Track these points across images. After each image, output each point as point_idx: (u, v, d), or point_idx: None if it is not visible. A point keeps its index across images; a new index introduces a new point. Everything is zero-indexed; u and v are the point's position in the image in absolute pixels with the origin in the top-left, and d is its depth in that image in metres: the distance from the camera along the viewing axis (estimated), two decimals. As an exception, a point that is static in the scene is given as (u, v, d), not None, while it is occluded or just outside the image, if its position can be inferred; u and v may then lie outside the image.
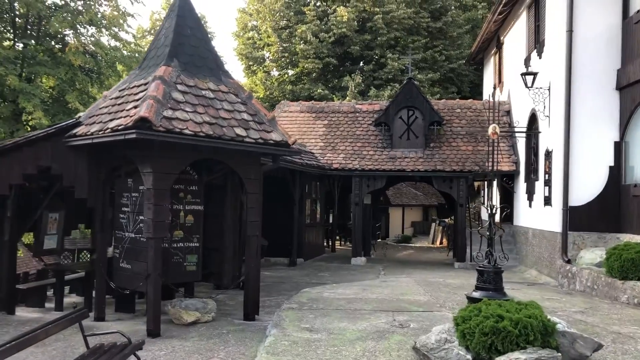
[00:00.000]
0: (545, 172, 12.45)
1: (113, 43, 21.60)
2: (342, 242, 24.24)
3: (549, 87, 12.34)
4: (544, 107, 12.48)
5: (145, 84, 7.08)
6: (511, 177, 16.17)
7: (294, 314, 7.55)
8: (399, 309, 7.86)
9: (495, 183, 19.09)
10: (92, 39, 20.61)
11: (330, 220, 20.99)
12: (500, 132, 7.67)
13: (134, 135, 6.24)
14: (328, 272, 13.90)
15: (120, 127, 6.49)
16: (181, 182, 7.86)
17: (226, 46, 69.04)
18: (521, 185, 15.22)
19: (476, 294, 5.83)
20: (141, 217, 7.23)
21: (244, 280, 7.75)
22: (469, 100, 17.90)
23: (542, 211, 12.63)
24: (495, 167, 14.21)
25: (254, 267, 7.66)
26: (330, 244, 20.44)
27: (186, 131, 6.59)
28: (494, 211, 6.34)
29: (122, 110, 6.94)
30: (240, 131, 7.18)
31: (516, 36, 16.37)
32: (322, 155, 16.42)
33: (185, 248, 7.91)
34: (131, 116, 6.46)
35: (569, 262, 11.05)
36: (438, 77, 28.63)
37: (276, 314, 7.57)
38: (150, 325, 6.72)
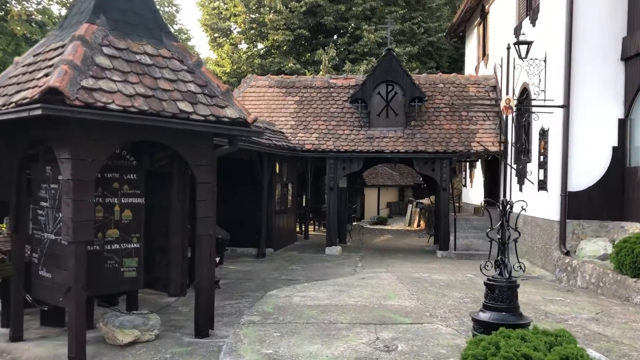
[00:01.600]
0: (540, 154, 11.37)
1: (64, 12, 19.71)
2: (317, 227, 23.03)
3: (545, 58, 11.17)
4: (539, 80, 11.32)
5: (63, 47, 5.62)
6: (498, 157, 15.10)
7: (255, 331, 6.28)
8: (382, 320, 6.67)
9: (479, 164, 18.08)
10: (40, 6, 18.77)
11: (303, 204, 19.72)
12: (516, 105, 6.39)
13: (39, 112, 4.82)
14: (300, 264, 12.69)
15: (24, 101, 5.05)
16: (115, 169, 6.46)
17: (190, 17, 66.41)
18: (509, 168, 14.13)
19: (485, 316, 4.65)
20: (61, 215, 5.83)
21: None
22: (452, 75, 16.69)
23: (536, 196, 11.58)
24: (488, 146, 13.10)
25: (206, 274, 6.35)
26: (303, 229, 19.20)
27: (112, 106, 5.18)
28: (509, 208, 5.12)
29: (32, 80, 5.50)
30: (185, 106, 5.80)
31: (504, 3, 15.16)
32: (293, 135, 15.08)
33: (122, 250, 6.54)
34: (40, 87, 5.03)
35: (567, 253, 10.04)
36: (416, 50, 27.37)
37: (233, 333, 6.29)
38: (72, 351, 5.38)
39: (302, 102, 15.97)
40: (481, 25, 18.48)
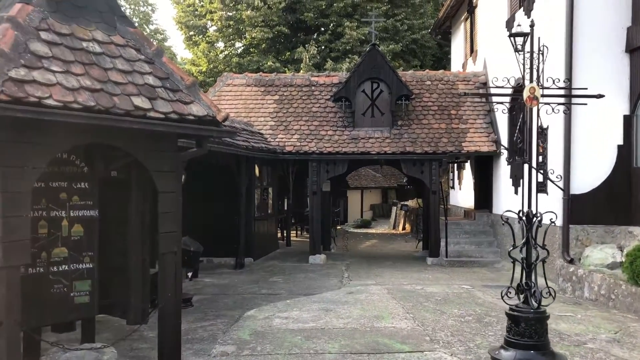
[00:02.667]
0: (539, 154, 10.66)
1: None
2: (299, 232, 22.17)
3: (542, 50, 10.45)
4: (537, 75, 10.60)
5: (-8, 31, 4.70)
6: (489, 158, 14.43)
7: (229, 367, 5.42)
8: (376, 348, 5.84)
9: (468, 165, 17.41)
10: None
11: (285, 209, 18.84)
12: (545, 94, 5.58)
13: (-52, 109, 3.91)
14: (282, 275, 11.84)
15: None
16: (62, 177, 5.54)
17: (164, 14, 65.02)
18: (502, 169, 13.47)
19: (509, 356, 3.84)
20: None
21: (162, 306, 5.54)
22: (440, 71, 15.99)
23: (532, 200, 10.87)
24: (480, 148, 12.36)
25: (171, 299, 5.47)
26: (285, 236, 18.33)
27: (49, 101, 4.28)
28: (535, 221, 4.32)
29: (-47, 71, 4.56)
30: (141, 102, 4.91)
31: (495, -5, 14.48)
32: (273, 137, 14.22)
33: (71, 272, 5.62)
34: (-46, 78, 4.11)
35: (571, 261, 9.34)
36: (400, 48, 26.64)
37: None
38: (5, 399, 4.45)
39: (282, 102, 15.12)
40: (468, 20, 17.81)
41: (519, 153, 12.76)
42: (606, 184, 9.48)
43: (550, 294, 4.13)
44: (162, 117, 5.00)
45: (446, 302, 8.22)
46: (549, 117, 10.12)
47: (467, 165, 17.62)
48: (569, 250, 9.43)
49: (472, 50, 17.37)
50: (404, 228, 28.07)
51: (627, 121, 9.46)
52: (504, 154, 13.32)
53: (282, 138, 14.14)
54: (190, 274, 11.02)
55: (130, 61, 5.22)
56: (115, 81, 4.90)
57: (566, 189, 9.50)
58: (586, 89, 5.74)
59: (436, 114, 14.56)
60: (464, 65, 18.09)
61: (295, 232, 21.46)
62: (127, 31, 5.48)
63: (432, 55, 28.85)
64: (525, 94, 5.09)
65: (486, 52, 15.33)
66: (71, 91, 4.48)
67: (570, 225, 9.50)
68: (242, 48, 28.58)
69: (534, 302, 3.97)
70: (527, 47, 5.52)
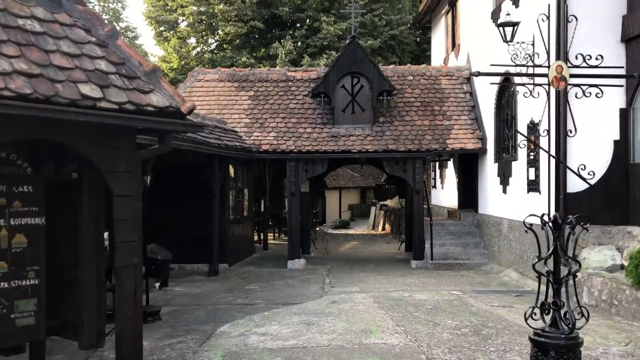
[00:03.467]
0: (530, 150, 10.18)
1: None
2: (277, 235, 21.45)
3: (533, 41, 9.97)
4: (527, 68, 10.12)
5: None
6: (474, 156, 13.94)
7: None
8: (366, 370, 5.21)
9: (451, 163, 16.94)
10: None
11: (262, 211, 18.12)
12: (573, 75, 4.97)
13: None
14: (259, 282, 11.16)
15: None
16: (0, 180, 4.77)
17: (134, 9, 63.57)
18: (489, 167, 12.99)
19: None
20: None
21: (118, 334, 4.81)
22: (422, 66, 15.45)
23: (525, 199, 10.40)
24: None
25: (131, 319, 4.75)
26: (262, 239, 17.61)
27: (-29, 88, 3.55)
28: (567, 228, 3.73)
29: None
30: (90, 90, 4.19)
31: (478, -14, 14.00)
32: (248, 135, 13.50)
33: (12, 290, 4.85)
34: None
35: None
36: (378, 44, 26.11)
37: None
38: None
39: (257, 98, 14.41)
40: (450, 14, 17.34)
41: (506, 150, 12.29)
42: (602, 182, 9.02)
43: (583, 315, 3.53)
44: (115, 108, 4.28)
45: (438, 312, 7.64)
46: (540, 110, 9.66)
47: (450, 163, 17.16)
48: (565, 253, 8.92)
49: (454, 45, 16.90)
50: (383, 228, 27.59)
51: (623, 115, 9.01)
52: (489, 151, 12.84)
53: (258, 136, 13.44)
54: (158, 284, 10.27)
55: (79, 43, 4.50)
56: (59, 66, 4.17)
57: (563, 187, 9.01)
58: (622, 67, 5.11)
59: (419, 110, 14.02)
60: (445, 61, 17.62)
61: (273, 234, 20.77)
62: (75, 9, 4.75)
63: (411, 52, 28.42)
64: (551, 73, 4.47)
65: (470, 46, 14.85)
66: (2, 76, 3.75)
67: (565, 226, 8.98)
68: (215, 44, 27.74)
69: (564, 326, 3.36)
70: (553, 19, 4.83)
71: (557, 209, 9.02)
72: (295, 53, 24.62)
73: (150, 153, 5.08)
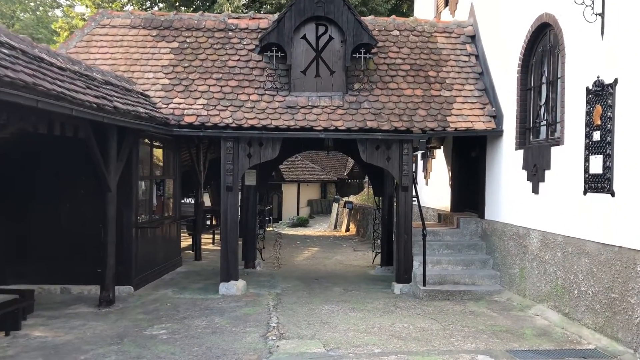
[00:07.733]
0: (591, 129, 6.79)
1: None
2: (217, 238, 17.61)
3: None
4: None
5: None
6: (480, 140, 10.56)
7: None
8: None
9: (440, 152, 13.56)
10: None
11: (195, 208, 14.30)
12: None
13: None
14: (170, 322, 7.57)
15: None
16: None
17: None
18: (507, 155, 9.61)
19: None
20: None
21: None
22: (412, 19, 11.90)
23: (581, 203, 7.04)
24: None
25: None
26: (194, 246, 13.85)
27: None
28: None
29: None
30: None
31: None
32: (166, 101, 9.73)
33: None
34: None
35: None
36: None
37: None
38: None
39: (182, 51, 10.60)
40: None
41: (536, 132, 8.94)
42: None
43: None
44: None
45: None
46: (614, 65, 6.28)
47: (439, 152, 13.78)
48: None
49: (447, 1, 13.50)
50: (347, 229, 24.30)
51: None
52: (507, 134, 9.45)
53: (180, 103, 9.67)
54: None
55: None
56: None
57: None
58: None
59: (408, 76, 10.52)
60: (438, 17, 14.16)
61: (212, 238, 17.02)
62: None
63: (390, 10, 24.29)
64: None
65: (473, -4, 11.43)
66: None
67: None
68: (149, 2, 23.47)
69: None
70: None
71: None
72: (244, 9, 20.62)
73: None
